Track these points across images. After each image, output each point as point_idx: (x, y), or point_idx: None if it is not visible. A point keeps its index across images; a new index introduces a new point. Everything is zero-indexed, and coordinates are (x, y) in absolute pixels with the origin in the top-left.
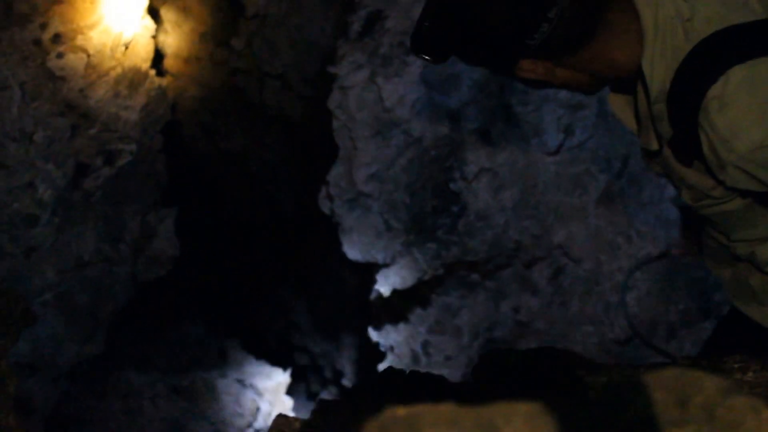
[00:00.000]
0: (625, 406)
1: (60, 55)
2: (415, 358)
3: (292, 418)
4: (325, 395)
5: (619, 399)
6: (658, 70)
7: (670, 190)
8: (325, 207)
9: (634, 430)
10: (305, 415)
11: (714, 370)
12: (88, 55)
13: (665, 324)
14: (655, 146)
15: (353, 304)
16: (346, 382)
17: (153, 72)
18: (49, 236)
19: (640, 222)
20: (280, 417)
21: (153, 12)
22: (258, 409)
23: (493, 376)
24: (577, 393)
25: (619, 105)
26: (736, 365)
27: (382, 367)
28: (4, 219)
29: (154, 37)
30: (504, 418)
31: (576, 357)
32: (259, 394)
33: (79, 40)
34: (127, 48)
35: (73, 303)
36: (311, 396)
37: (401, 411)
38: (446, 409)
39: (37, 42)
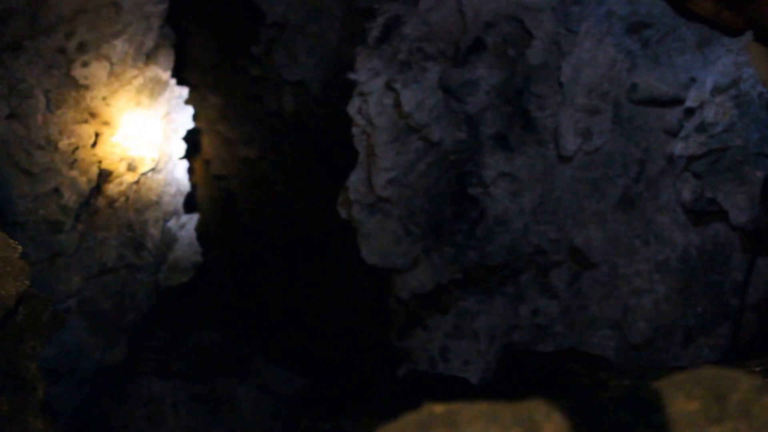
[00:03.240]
0: (659, 405)
1: (84, 64)
2: (432, 362)
3: None
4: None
5: (651, 398)
6: None
7: (686, 194)
8: (343, 212)
9: (672, 427)
10: (325, 419)
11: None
12: (111, 64)
13: (683, 328)
14: None
15: (371, 309)
16: (365, 387)
17: (174, 81)
18: (73, 242)
19: (657, 226)
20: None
21: (174, 21)
22: (278, 415)
23: (515, 379)
24: (605, 393)
25: (757, 54)
26: (757, 369)
27: (400, 372)
28: (30, 225)
29: (175, 45)
30: (544, 415)
31: (598, 360)
32: (279, 400)
33: (104, 49)
34: (148, 57)
35: (97, 309)
36: (331, 401)
37: (439, 408)
38: (483, 406)
39: (62, 50)
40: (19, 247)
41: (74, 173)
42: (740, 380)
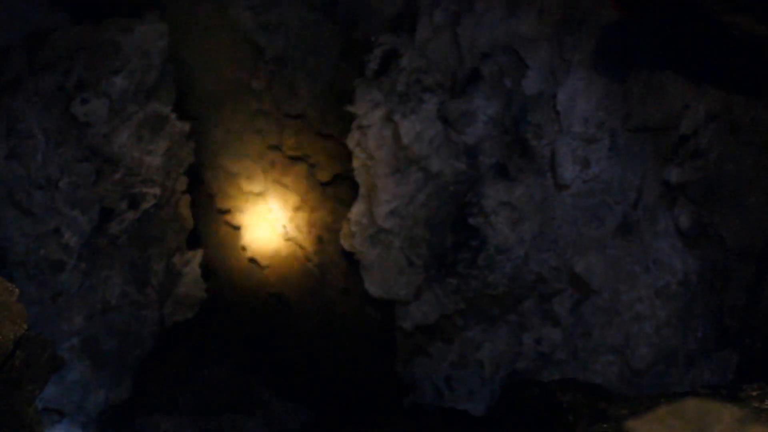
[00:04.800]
0: None
1: (84, 101)
2: (438, 392)
3: None
4: None
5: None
6: None
7: (683, 220)
8: (346, 244)
9: None
10: None
11: (732, 399)
12: (111, 100)
13: (684, 352)
14: None
15: (376, 340)
16: (371, 418)
17: (174, 115)
18: (75, 281)
19: (656, 251)
20: None
21: (175, 56)
22: None
23: (516, 410)
24: (601, 425)
25: None
26: (754, 393)
27: (406, 402)
28: (31, 265)
29: (176, 81)
30: None
31: (597, 389)
32: None
33: (103, 86)
34: (149, 92)
35: (101, 348)
36: None
37: None
38: None
39: (61, 88)
40: (17, 290)
41: (75, 212)
42: (722, 413)
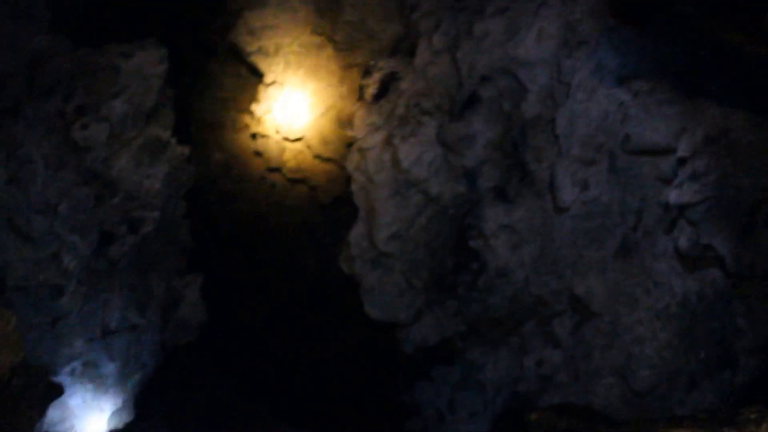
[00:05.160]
0: None
1: (84, 126)
2: (440, 415)
3: None
4: None
5: None
6: None
7: (683, 241)
8: (346, 267)
9: None
10: None
11: (730, 423)
12: (111, 125)
13: (686, 374)
14: None
15: (377, 363)
16: None
17: (174, 140)
18: (75, 306)
19: (656, 273)
20: None
21: (175, 80)
22: None
23: None
24: None
25: None
26: (752, 416)
27: (409, 426)
28: (30, 290)
29: (176, 105)
30: None
31: (596, 413)
32: None
33: (103, 111)
34: (149, 117)
35: (101, 372)
36: None
37: None
38: None
39: (61, 113)
40: (14, 318)
41: (74, 237)
42: None
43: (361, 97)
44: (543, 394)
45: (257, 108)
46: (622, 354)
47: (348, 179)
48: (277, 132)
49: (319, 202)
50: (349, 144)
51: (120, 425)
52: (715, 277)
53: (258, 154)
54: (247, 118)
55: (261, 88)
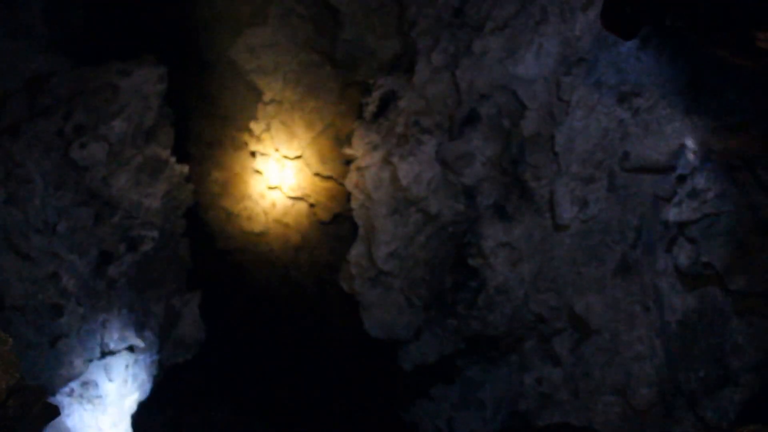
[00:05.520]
0: None
1: (83, 145)
2: None
3: None
4: None
5: None
6: None
7: (682, 259)
8: (345, 286)
9: None
10: None
11: None
12: (110, 144)
13: (686, 392)
14: None
15: (376, 382)
16: None
17: (174, 159)
18: (74, 325)
19: (656, 291)
20: None
21: (173, 99)
22: None
23: None
24: None
25: None
26: None
27: None
28: (29, 310)
29: (175, 123)
30: None
31: None
32: None
33: (101, 130)
34: (148, 135)
35: (100, 392)
36: None
37: None
38: None
39: (60, 132)
40: (10, 339)
41: (73, 256)
42: None
43: (360, 116)
44: (542, 412)
45: (256, 126)
46: (622, 372)
47: (348, 196)
48: (277, 150)
49: (318, 219)
50: (348, 161)
51: None
52: (715, 294)
53: (258, 172)
54: (246, 136)
55: (260, 106)
